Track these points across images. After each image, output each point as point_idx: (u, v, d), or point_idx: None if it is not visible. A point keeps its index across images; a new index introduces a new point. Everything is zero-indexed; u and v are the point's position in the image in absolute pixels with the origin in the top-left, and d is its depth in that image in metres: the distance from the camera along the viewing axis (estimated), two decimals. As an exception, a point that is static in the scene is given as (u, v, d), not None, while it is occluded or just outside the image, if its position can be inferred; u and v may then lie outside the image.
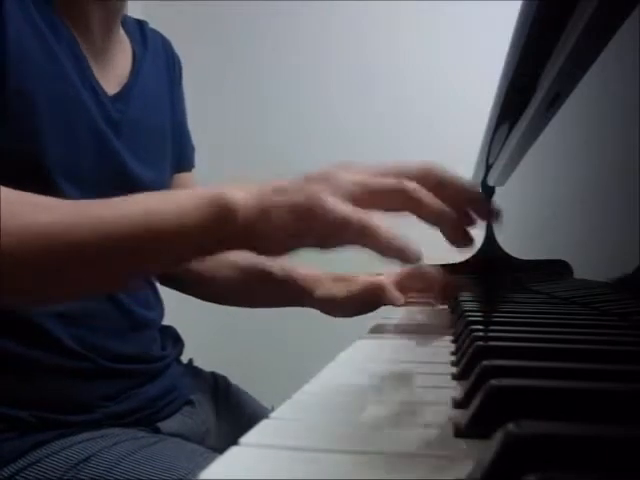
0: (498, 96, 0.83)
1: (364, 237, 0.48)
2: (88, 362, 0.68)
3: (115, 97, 0.74)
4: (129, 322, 0.75)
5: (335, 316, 0.80)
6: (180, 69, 0.92)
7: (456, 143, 1.77)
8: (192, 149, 0.95)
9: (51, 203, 0.50)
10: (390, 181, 0.51)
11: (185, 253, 0.53)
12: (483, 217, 0.54)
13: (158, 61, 0.86)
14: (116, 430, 0.67)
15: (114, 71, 0.77)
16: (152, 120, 0.81)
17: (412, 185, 0.51)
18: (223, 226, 0.49)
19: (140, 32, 0.85)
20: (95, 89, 0.71)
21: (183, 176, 0.92)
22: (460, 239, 0.52)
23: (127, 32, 0.82)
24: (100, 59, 0.74)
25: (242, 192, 0.50)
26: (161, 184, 0.83)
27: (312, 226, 0.49)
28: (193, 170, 0.96)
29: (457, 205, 0.52)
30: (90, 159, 0.69)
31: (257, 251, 0.54)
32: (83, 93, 0.69)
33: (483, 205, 0.54)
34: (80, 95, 0.68)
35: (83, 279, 0.52)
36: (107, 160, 0.71)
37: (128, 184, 0.74)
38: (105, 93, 0.73)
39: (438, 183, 0.52)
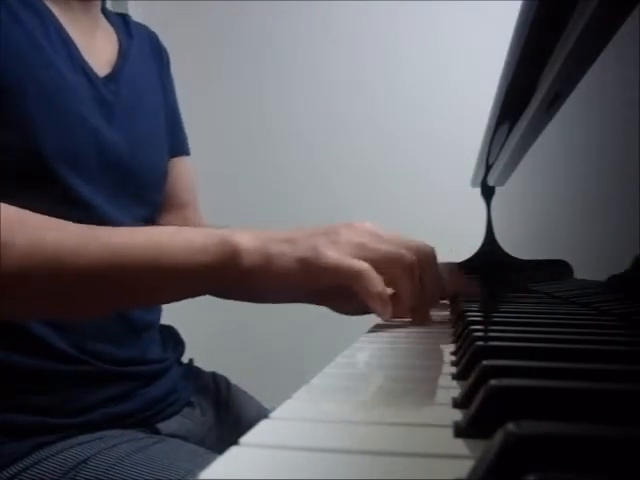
0: (498, 96, 0.83)
1: (356, 279, 0.51)
2: (86, 366, 0.68)
3: (106, 78, 0.74)
4: (127, 327, 0.74)
5: (340, 312, 0.74)
6: (168, 57, 0.91)
7: (456, 143, 1.77)
8: (185, 136, 0.95)
9: (58, 223, 0.51)
10: (387, 248, 0.54)
11: (188, 290, 0.55)
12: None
13: (144, 50, 0.85)
14: (115, 432, 0.66)
15: (102, 54, 0.76)
16: (145, 103, 0.80)
17: (408, 258, 0.54)
18: (228, 267, 0.51)
19: (123, 23, 0.85)
20: (86, 71, 0.71)
21: (179, 161, 0.92)
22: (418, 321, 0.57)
23: (111, 24, 0.82)
24: (87, 41, 0.73)
25: (249, 237, 0.53)
26: (157, 170, 0.82)
27: (308, 276, 0.51)
28: (190, 161, 0.96)
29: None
30: (86, 146, 0.69)
31: (255, 298, 0.56)
32: (73, 78, 0.68)
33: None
34: (70, 81, 0.68)
35: (87, 302, 0.53)
36: (102, 146, 0.71)
37: (125, 171, 0.74)
38: (96, 75, 0.72)
39: (426, 268, 0.56)
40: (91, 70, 0.72)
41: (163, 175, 0.84)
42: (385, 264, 0.53)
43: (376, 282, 0.51)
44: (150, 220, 0.81)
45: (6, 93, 0.62)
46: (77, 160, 0.68)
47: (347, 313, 0.64)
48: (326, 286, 0.53)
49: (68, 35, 0.70)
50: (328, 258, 0.51)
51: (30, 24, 0.65)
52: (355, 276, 0.51)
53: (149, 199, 0.80)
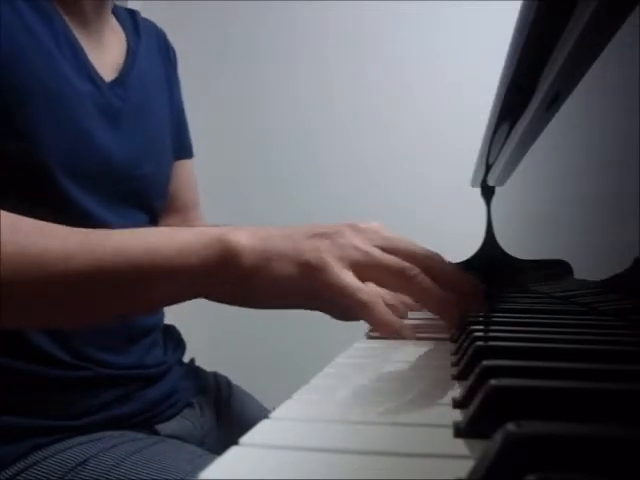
0: (498, 96, 0.83)
1: (362, 310, 0.49)
2: (84, 372, 0.67)
3: (113, 83, 0.73)
4: (127, 333, 0.73)
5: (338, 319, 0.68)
6: (175, 57, 0.91)
7: (456, 143, 1.77)
8: (189, 138, 0.94)
9: (48, 228, 0.50)
10: (392, 259, 0.51)
11: (182, 292, 0.52)
12: (470, 309, 0.56)
13: (152, 49, 0.85)
14: (114, 432, 0.66)
15: (109, 57, 0.75)
16: (152, 106, 0.79)
17: (413, 270, 0.51)
18: (224, 268, 0.49)
19: (132, 21, 0.84)
20: (92, 77, 0.70)
21: (183, 163, 0.91)
22: (454, 325, 0.53)
23: (119, 22, 0.81)
24: (95, 44, 0.73)
25: (247, 235, 0.50)
26: (161, 176, 0.82)
27: (312, 284, 0.49)
28: (193, 161, 0.95)
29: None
30: (89, 158, 0.68)
31: (250, 301, 0.54)
32: (79, 86, 0.67)
33: (474, 301, 0.56)
34: (76, 89, 0.67)
35: (79, 308, 0.51)
36: (106, 158, 0.70)
37: (128, 180, 0.73)
38: (102, 79, 0.71)
39: (436, 273, 0.53)
40: (98, 75, 0.71)
41: (167, 180, 0.84)
42: (391, 276, 0.51)
43: (383, 312, 0.49)
44: (152, 224, 0.81)
45: (14, 101, 0.61)
46: (79, 172, 0.67)
47: (346, 319, 0.62)
48: (327, 298, 0.51)
49: (76, 39, 0.69)
50: (334, 274, 0.48)
51: (38, 29, 0.64)
52: (361, 306, 0.49)
53: (152, 205, 0.80)
